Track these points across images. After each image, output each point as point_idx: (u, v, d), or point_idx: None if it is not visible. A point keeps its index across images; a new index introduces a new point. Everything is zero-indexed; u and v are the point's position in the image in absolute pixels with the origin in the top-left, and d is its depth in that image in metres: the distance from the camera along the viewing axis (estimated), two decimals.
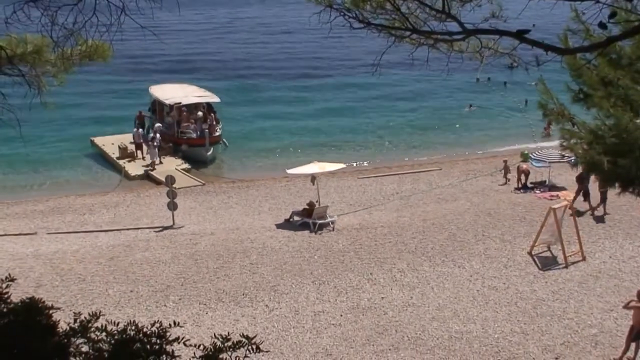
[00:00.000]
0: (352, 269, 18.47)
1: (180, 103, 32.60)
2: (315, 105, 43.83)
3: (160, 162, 30.38)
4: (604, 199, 21.98)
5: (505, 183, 27.14)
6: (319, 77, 52.30)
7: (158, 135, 30.80)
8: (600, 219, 22.15)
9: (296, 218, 22.64)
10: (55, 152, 33.36)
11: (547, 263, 18.67)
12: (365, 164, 32.35)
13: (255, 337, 5.10)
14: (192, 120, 32.20)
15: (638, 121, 9.22)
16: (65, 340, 5.21)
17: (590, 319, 15.43)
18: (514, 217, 22.57)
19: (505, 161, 27.72)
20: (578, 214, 22.26)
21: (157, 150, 30.22)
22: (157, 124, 32.91)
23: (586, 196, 22.99)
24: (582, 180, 22.39)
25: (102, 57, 9.40)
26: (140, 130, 31.90)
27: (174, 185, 22.74)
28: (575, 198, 23.06)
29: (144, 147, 31.35)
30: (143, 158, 31.24)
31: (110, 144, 33.25)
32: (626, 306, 13.84)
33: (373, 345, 14.39)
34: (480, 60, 6.82)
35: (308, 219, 22.10)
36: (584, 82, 9.85)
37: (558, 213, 18.65)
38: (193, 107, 33.18)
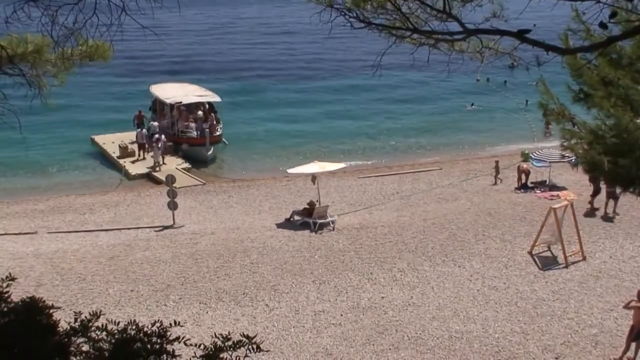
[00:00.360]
0: (352, 269, 18.47)
1: (181, 102, 32.61)
2: (316, 105, 43.82)
3: (164, 163, 30.28)
4: (615, 199, 21.96)
5: (495, 183, 27.15)
6: (320, 78, 52.29)
7: (163, 136, 30.74)
8: (608, 219, 22.12)
9: (297, 217, 22.64)
10: (55, 151, 33.34)
11: (547, 263, 18.67)
12: (366, 163, 32.35)
13: (255, 336, 5.10)
14: (192, 119, 32.18)
15: (638, 121, 9.21)
16: (66, 340, 5.21)
17: (590, 318, 15.44)
18: (515, 217, 22.57)
19: (496, 162, 27.78)
20: (592, 214, 22.36)
21: (160, 151, 30.12)
22: (153, 122, 32.97)
23: (595, 195, 22.90)
24: (595, 180, 22.29)
25: (102, 57, 9.41)
26: (144, 130, 31.83)
27: (174, 185, 22.76)
28: (592, 199, 23.02)
29: (147, 148, 31.35)
30: (144, 158, 31.17)
31: (110, 142, 33.24)
32: (626, 306, 13.84)
33: (373, 344, 14.39)
34: (481, 60, 6.82)
35: (308, 219, 22.10)
36: (585, 82, 9.84)
37: (558, 213, 18.65)
38: (194, 107, 33.19)
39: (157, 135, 30.74)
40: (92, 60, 9.46)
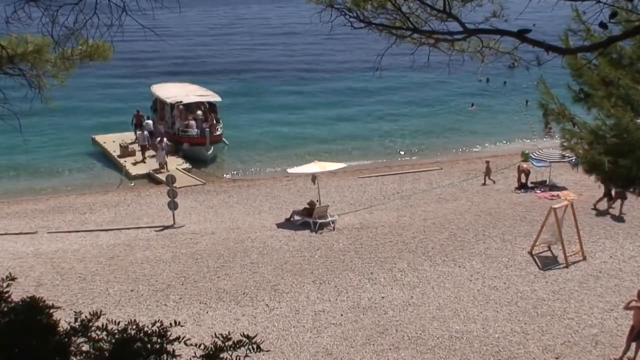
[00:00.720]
0: (352, 269, 18.47)
1: (181, 102, 32.64)
2: (316, 105, 43.87)
3: (166, 163, 29.93)
4: (623, 199, 21.93)
5: (485, 183, 27.19)
6: (321, 79, 52.35)
7: (165, 139, 30.60)
8: (619, 219, 22.09)
9: (297, 217, 22.64)
10: (56, 151, 33.35)
11: (547, 263, 18.67)
12: (366, 163, 32.37)
13: (255, 336, 5.10)
14: (190, 117, 32.14)
15: (639, 121, 9.22)
16: (66, 340, 5.21)
17: (590, 318, 15.43)
18: (515, 217, 22.57)
19: (487, 162, 27.82)
20: (603, 214, 22.37)
21: (164, 152, 29.95)
22: (147, 121, 32.93)
23: (610, 196, 22.79)
24: (606, 182, 22.18)
25: (102, 56, 9.41)
26: (146, 132, 31.72)
27: (174, 185, 22.75)
28: (601, 199, 22.90)
29: (149, 149, 31.24)
30: (144, 160, 31.01)
31: (111, 141, 33.27)
32: (627, 307, 13.79)
33: (373, 344, 14.39)
34: (481, 60, 6.82)
35: (309, 219, 22.10)
36: (585, 82, 9.85)
37: (558, 213, 18.65)
38: (194, 106, 33.20)
39: (159, 138, 30.68)
40: (92, 60, 9.46)
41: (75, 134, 35.78)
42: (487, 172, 27.41)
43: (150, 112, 35.24)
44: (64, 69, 9.27)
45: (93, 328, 5.27)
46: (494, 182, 27.35)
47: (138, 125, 33.46)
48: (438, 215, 22.98)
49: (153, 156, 31.02)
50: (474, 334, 14.75)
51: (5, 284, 5.89)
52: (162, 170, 29.18)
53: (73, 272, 18.61)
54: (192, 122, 31.81)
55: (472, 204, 24.30)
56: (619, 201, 22.34)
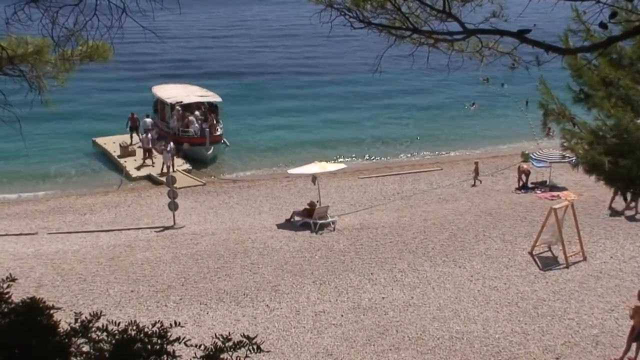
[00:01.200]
0: (352, 269, 18.47)
1: (181, 102, 32.66)
2: (317, 106, 43.83)
3: (174, 170, 29.09)
4: (635, 199, 21.92)
5: (474, 185, 27.21)
6: (321, 79, 52.30)
7: (171, 143, 30.46)
8: (632, 218, 22.09)
9: (297, 218, 22.65)
10: (56, 153, 33.32)
11: (547, 263, 18.67)
12: (366, 164, 32.37)
13: (256, 337, 5.11)
14: (188, 115, 32.08)
15: (639, 121, 9.23)
16: (66, 340, 5.21)
17: (591, 319, 15.43)
18: (515, 217, 22.57)
19: (476, 163, 27.84)
20: (614, 213, 22.46)
21: (170, 155, 29.81)
22: (146, 119, 32.90)
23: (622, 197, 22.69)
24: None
25: (102, 57, 9.42)
26: (149, 135, 31.64)
27: (174, 185, 22.75)
28: (613, 199, 22.89)
29: (154, 152, 31.22)
30: (149, 163, 30.95)
31: (111, 143, 33.29)
32: (632, 316, 13.63)
33: (374, 345, 14.38)
34: (480, 60, 6.81)
35: (309, 219, 22.10)
36: (585, 83, 9.86)
37: (559, 213, 18.65)
38: (194, 107, 33.20)
39: (164, 141, 30.65)
40: (92, 61, 9.47)
41: (75, 137, 35.71)
42: (476, 173, 27.45)
43: (152, 113, 35.20)
44: (64, 70, 9.28)
45: (93, 329, 5.27)
46: (481, 181, 27.38)
47: (133, 128, 33.42)
48: (438, 216, 22.98)
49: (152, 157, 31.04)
50: (475, 334, 14.74)
51: (5, 285, 5.90)
52: (169, 172, 29.05)
53: (73, 273, 18.62)
54: (192, 120, 31.79)
55: (473, 205, 24.30)
56: (616, 198, 22.33)
